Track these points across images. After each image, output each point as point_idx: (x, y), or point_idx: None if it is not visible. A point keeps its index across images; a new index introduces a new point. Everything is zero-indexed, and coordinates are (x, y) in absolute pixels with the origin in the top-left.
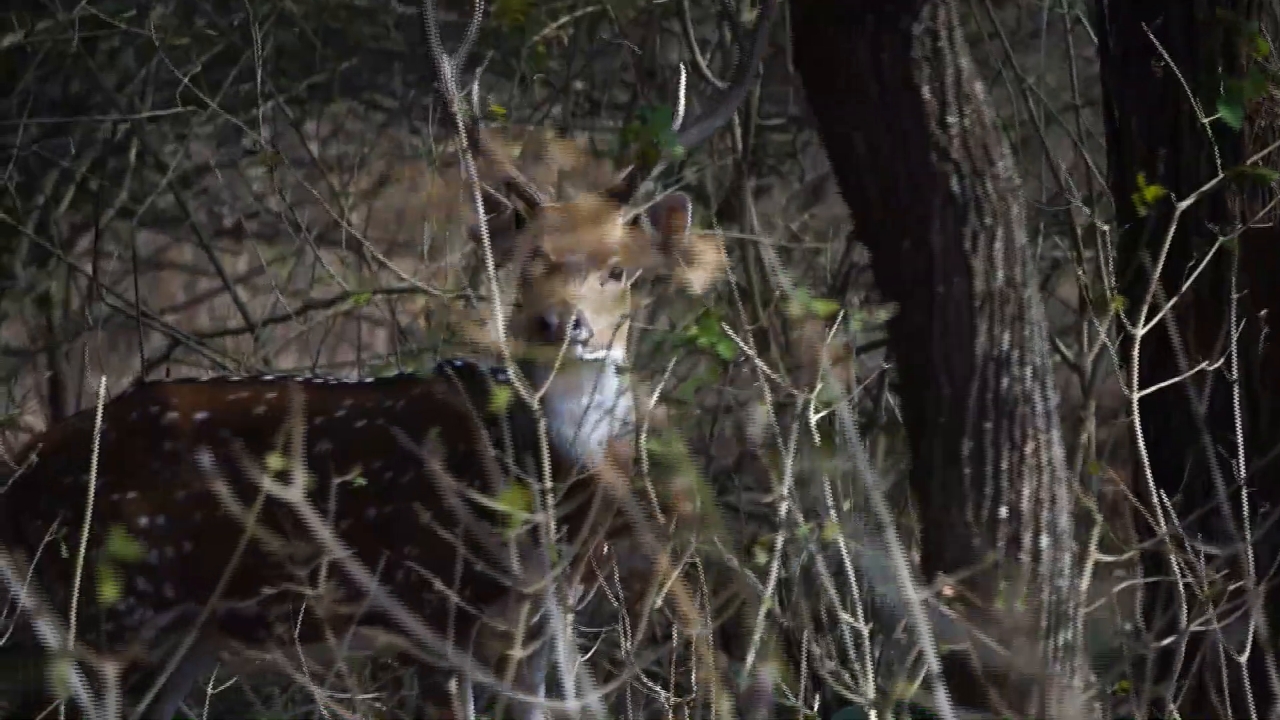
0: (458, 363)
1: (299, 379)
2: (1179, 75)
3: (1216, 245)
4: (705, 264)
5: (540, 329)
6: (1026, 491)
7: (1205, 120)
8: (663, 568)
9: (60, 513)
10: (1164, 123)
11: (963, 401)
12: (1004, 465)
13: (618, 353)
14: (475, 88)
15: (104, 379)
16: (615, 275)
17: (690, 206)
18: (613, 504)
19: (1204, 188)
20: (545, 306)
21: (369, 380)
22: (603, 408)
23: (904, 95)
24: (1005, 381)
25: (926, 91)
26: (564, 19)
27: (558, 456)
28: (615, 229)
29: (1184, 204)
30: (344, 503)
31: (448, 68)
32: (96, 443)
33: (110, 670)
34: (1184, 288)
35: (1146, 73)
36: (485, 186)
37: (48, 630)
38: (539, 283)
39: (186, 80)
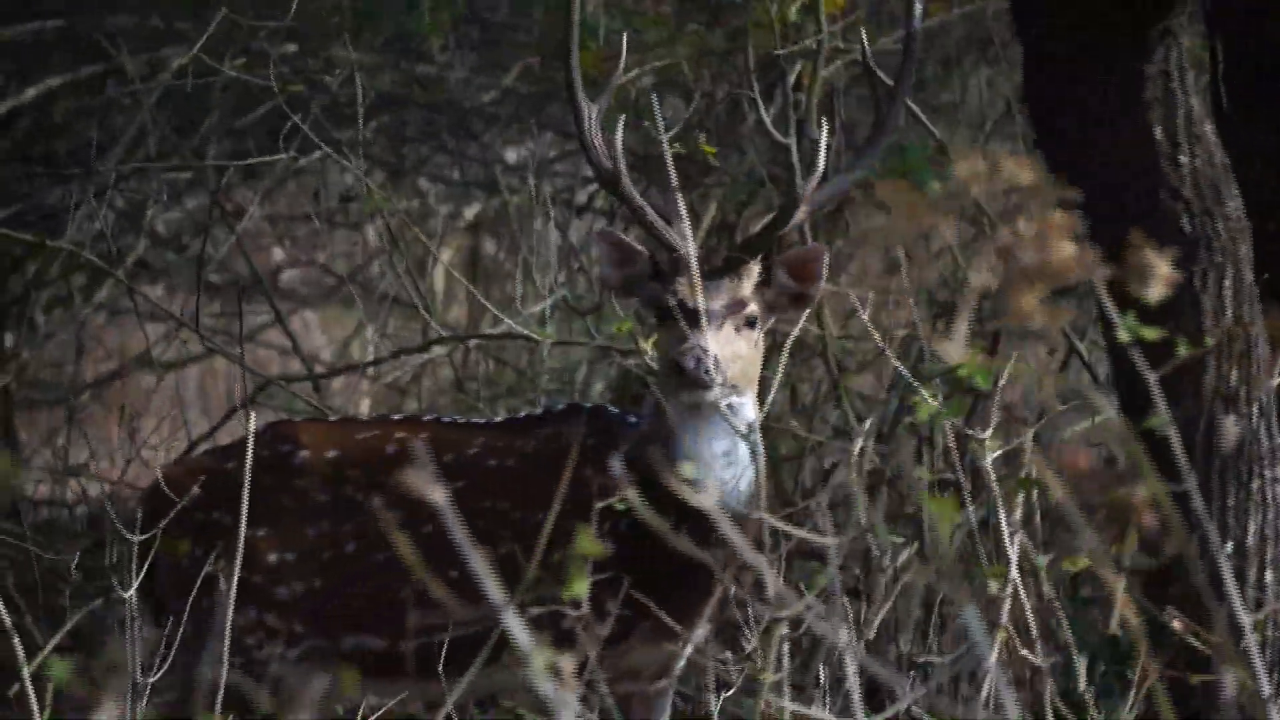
0: (586, 405)
1: (428, 418)
2: None
3: None
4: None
5: (676, 372)
6: (1252, 528)
7: None
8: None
9: (194, 550)
10: None
11: (1191, 437)
12: (1230, 502)
13: (749, 399)
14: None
15: (253, 414)
16: (749, 323)
17: (827, 257)
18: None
19: None
20: (682, 351)
21: (499, 420)
22: (734, 455)
23: (1136, 136)
24: (1232, 418)
25: (1159, 132)
26: (635, 71)
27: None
28: (752, 278)
29: None
30: (476, 541)
31: (589, 115)
32: (247, 481)
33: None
34: None
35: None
36: (620, 235)
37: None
38: (676, 329)
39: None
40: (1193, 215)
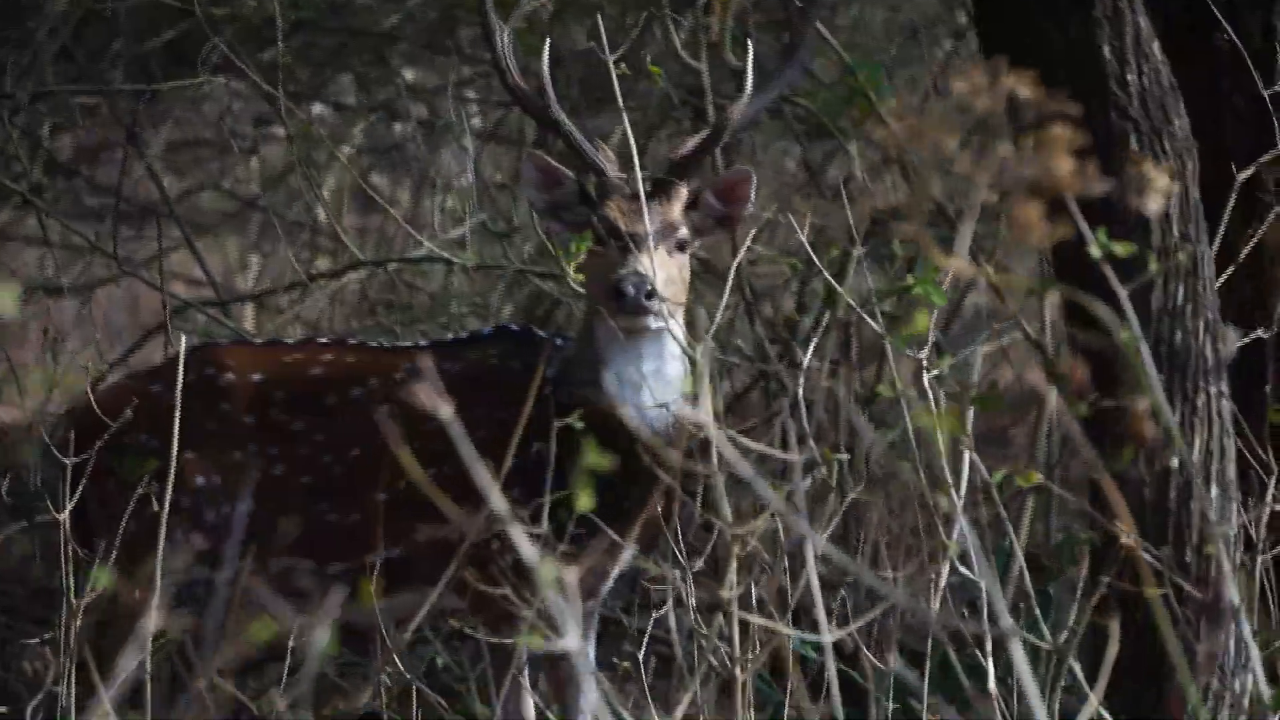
0: (514, 327)
1: (354, 341)
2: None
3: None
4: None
5: (615, 298)
6: (1197, 443)
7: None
8: None
9: (118, 472)
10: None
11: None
12: (1176, 418)
13: (678, 321)
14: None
15: (184, 338)
16: (681, 246)
17: (755, 179)
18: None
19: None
20: (621, 276)
21: (425, 343)
22: (663, 375)
23: (1085, 53)
24: (1179, 334)
25: (1107, 50)
26: None
27: (616, 422)
28: (681, 201)
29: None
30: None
31: (502, 37)
32: (179, 403)
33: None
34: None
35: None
36: (548, 159)
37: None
38: (609, 253)
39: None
40: (1140, 134)
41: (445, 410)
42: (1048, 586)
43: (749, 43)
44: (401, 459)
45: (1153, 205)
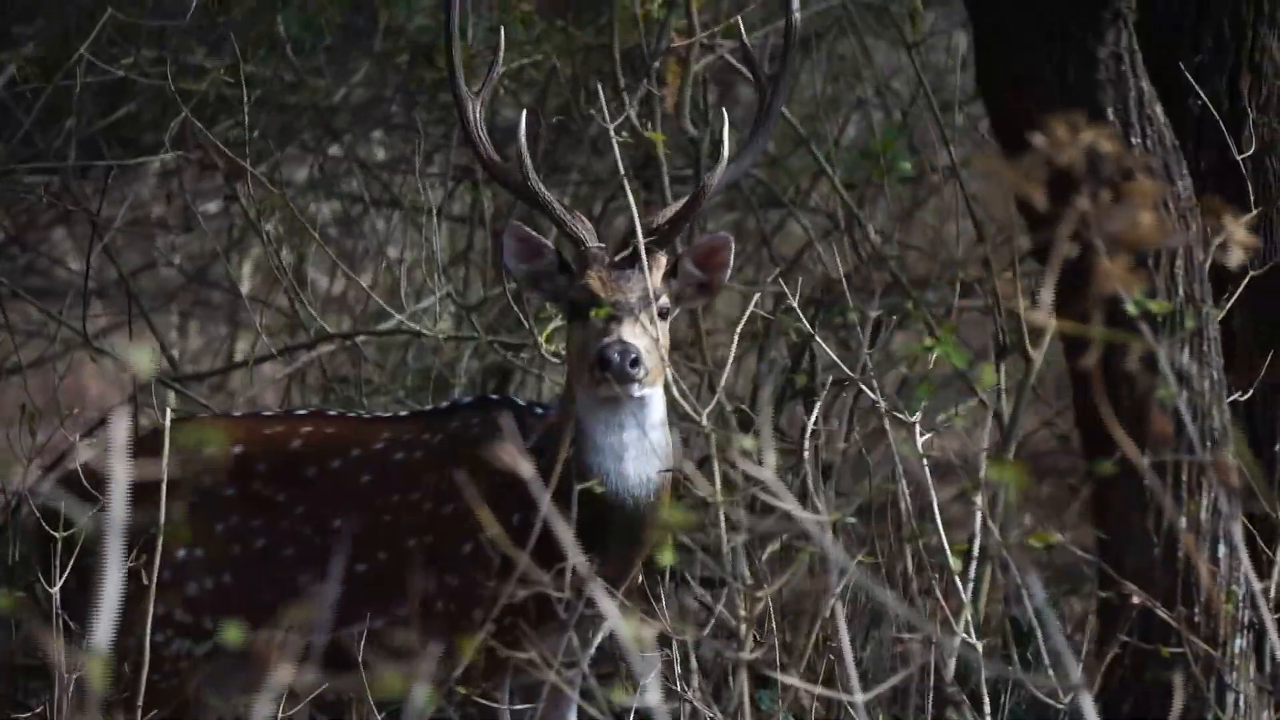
0: (494, 397)
1: (332, 412)
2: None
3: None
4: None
5: (599, 366)
6: (1205, 502)
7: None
8: None
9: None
10: None
11: (1143, 413)
12: (1183, 476)
13: (659, 390)
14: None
15: (169, 414)
16: (662, 315)
17: (732, 245)
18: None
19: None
20: (605, 345)
21: (404, 414)
22: (645, 443)
23: (1089, 117)
24: (1185, 395)
25: (1111, 113)
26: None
27: (603, 491)
28: (661, 269)
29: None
30: (384, 535)
31: (474, 109)
32: (165, 475)
33: None
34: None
35: None
36: (528, 230)
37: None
38: (591, 323)
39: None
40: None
41: (526, 468)
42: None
43: (724, 111)
44: (480, 516)
45: (1234, 259)
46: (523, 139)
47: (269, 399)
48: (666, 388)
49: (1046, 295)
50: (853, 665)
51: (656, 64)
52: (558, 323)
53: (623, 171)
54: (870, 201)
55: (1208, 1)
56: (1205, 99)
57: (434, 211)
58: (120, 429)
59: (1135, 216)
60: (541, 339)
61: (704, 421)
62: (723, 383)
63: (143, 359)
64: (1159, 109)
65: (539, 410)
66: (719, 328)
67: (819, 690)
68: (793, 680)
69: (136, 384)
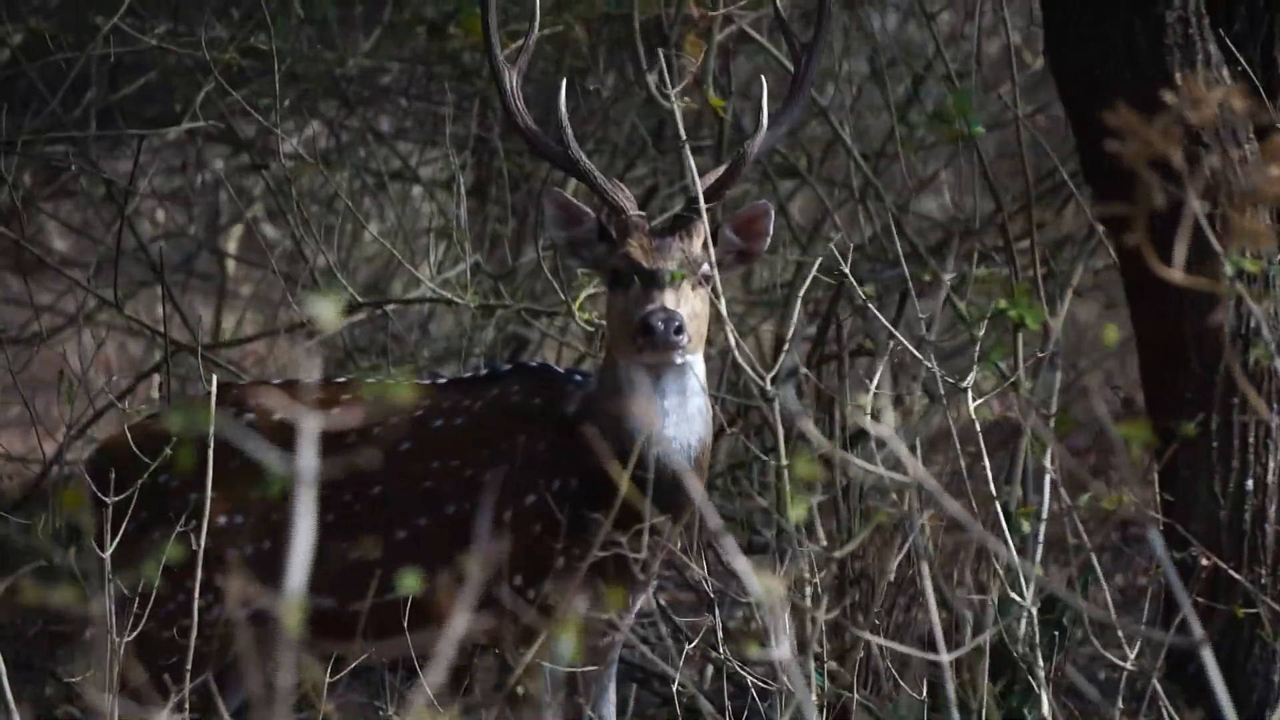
0: (533, 364)
1: (371, 379)
2: None
3: None
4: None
5: (643, 333)
6: (1272, 465)
7: None
8: None
9: (140, 513)
10: None
11: (1210, 376)
12: (1250, 438)
13: (700, 357)
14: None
15: (215, 378)
16: (703, 282)
17: (772, 213)
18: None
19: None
20: (648, 313)
21: (444, 380)
22: (686, 410)
23: (1157, 80)
24: (1252, 357)
25: (1178, 76)
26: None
27: (641, 457)
28: (701, 237)
29: None
30: (424, 500)
31: (512, 81)
32: (211, 445)
33: None
34: None
35: None
36: (568, 197)
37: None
38: (633, 291)
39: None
40: (1212, 156)
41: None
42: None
43: (763, 79)
44: (612, 470)
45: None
46: (563, 108)
47: (291, 372)
48: (719, 356)
49: (1180, 252)
50: (938, 623)
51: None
52: (590, 290)
53: (684, 137)
54: (884, 172)
55: None
56: (1244, 64)
57: (459, 179)
58: (311, 375)
59: (1272, 172)
60: (575, 306)
61: (769, 388)
62: (786, 347)
63: (328, 311)
64: (1226, 72)
65: (578, 377)
66: (735, 296)
67: (899, 648)
68: (875, 639)
69: (168, 351)
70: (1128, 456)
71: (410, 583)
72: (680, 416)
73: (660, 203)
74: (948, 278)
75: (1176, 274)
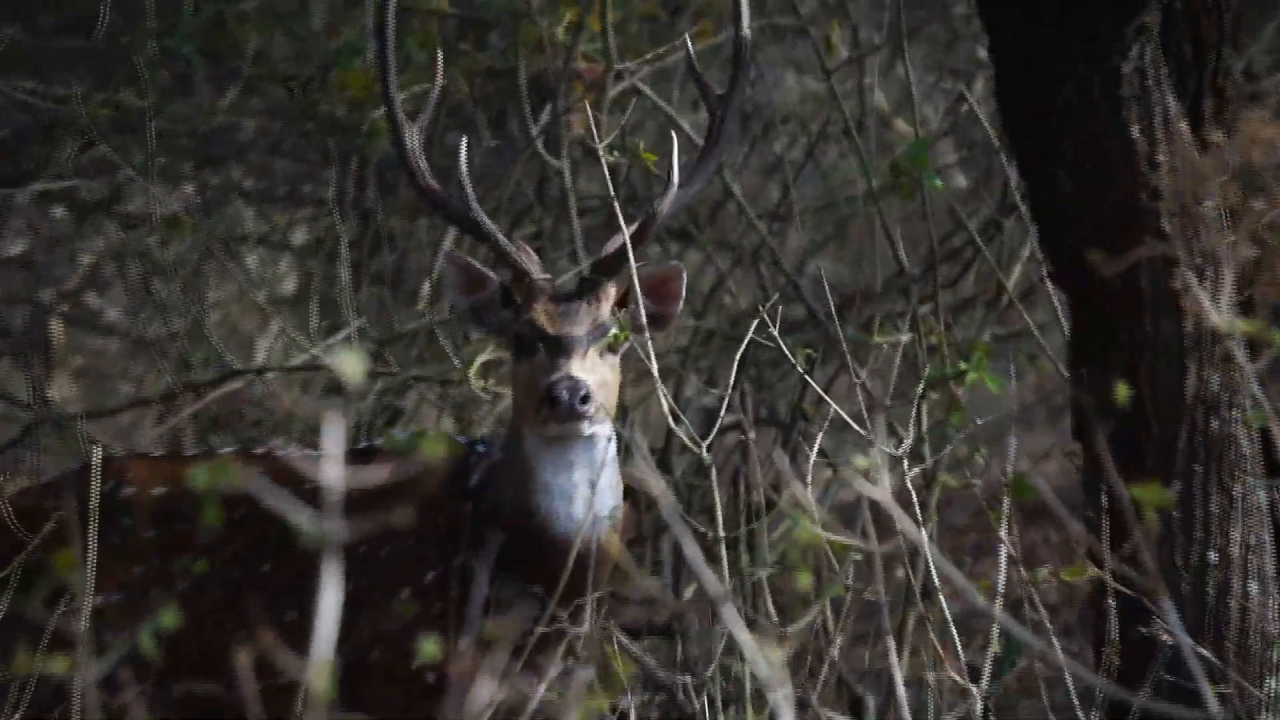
0: (430, 431)
1: (259, 450)
2: None
3: None
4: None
5: (547, 404)
6: (1236, 536)
7: None
8: None
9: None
10: None
11: (1172, 444)
12: (1213, 509)
13: (609, 427)
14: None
15: (98, 449)
16: (611, 348)
17: (685, 276)
18: (604, 579)
19: None
20: (553, 382)
21: (281, 451)
22: (595, 483)
23: (1112, 134)
24: (1215, 424)
25: (1135, 130)
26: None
27: (546, 532)
28: (610, 300)
29: None
30: (315, 581)
31: (412, 136)
32: (94, 522)
33: None
34: None
35: None
36: (469, 260)
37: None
38: (539, 359)
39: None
40: (1171, 215)
41: (659, 485)
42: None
43: (674, 135)
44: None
45: None
46: (463, 166)
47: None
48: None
49: (1225, 296)
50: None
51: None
52: (486, 355)
53: (612, 193)
54: (778, 234)
55: (1170, 25)
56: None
57: (343, 238)
58: (335, 433)
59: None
60: (470, 373)
61: (705, 456)
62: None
63: (352, 366)
64: (1184, 126)
65: (480, 448)
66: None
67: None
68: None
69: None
70: (1139, 522)
71: (430, 650)
72: (588, 490)
73: (549, 267)
74: (903, 338)
75: (1218, 318)
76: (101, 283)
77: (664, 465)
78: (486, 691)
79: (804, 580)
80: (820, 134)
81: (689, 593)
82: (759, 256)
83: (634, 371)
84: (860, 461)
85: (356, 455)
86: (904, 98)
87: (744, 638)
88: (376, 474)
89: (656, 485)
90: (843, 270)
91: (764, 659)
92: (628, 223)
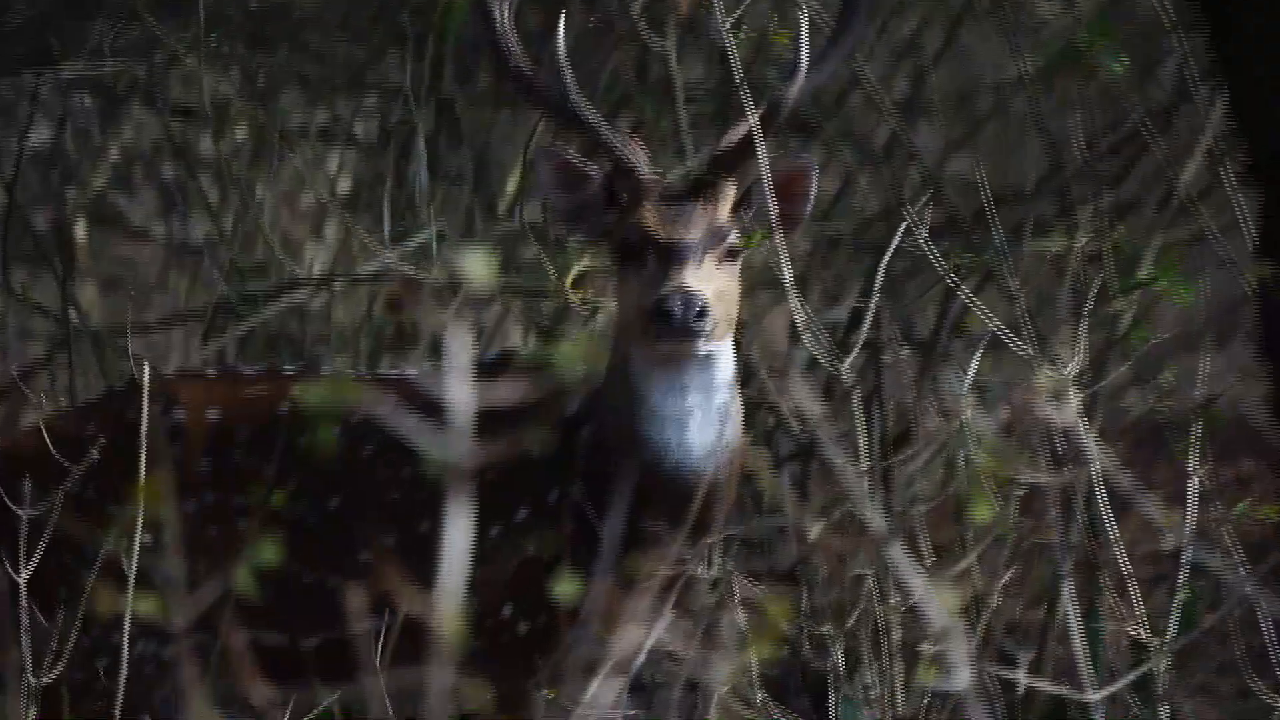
0: (520, 351)
1: (326, 369)
2: None
3: None
4: None
5: (658, 319)
6: None
7: None
8: None
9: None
10: None
11: None
12: None
13: (728, 345)
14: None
15: (146, 364)
16: (731, 255)
17: (815, 172)
18: (721, 517)
19: None
20: (664, 295)
21: (412, 372)
22: (710, 408)
23: None
24: None
25: None
26: None
27: (658, 465)
28: (729, 201)
29: None
30: (392, 516)
31: (501, 10)
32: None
33: None
34: None
35: None
36: (569, 154)
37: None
38: (647, 268)
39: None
40: None
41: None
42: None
43: (801, 12)
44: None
45: None
46: (560, 47)
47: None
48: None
49: None
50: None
51: None
52: (584, 264)
53: (740, 79)
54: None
55: None
56: None
57: (419, 133)
58: (460, 347)
59: None
60: (566, 284)
61: (845, 374)
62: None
63: (481, 267)
64: None
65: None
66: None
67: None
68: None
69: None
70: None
71: (568, 589)
72: (705, 417)
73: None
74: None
75: None
76: (134, 180)
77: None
78: (634, 635)
79: (982, 513)
80: (963, 10)
81: (814, 533)
82: (891, 153)
83: (746, 280)
84: (1045, 379)
85: (486, 369)
86: None
87: (915, 581)
88: (509, 392)
89: (811, 406)
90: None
91: (938, 605)
92: (746, 112)
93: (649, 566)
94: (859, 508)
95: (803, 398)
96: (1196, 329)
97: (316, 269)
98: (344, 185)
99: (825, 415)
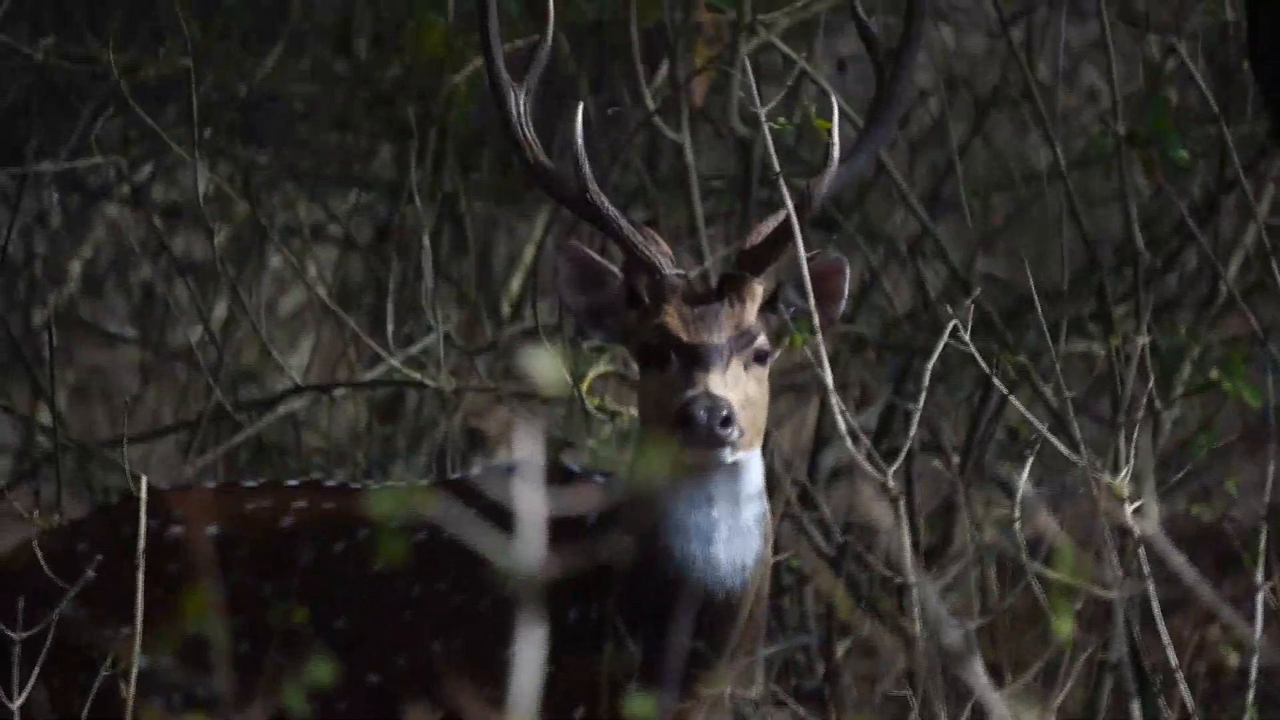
0: (537, 460)
1: (330, 484)
2: None
3: None
4: None
5: (681, 426)
6: None
7: None
8: None
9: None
10: None
11: None
12: None
13: (756, 454)
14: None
15: (144, 478)
16: (759, 358)
17: (848, 269)
18: (748, 637)
19: None
20: (688, 400)
21: (423, 483)
22: (738, 522)
23: None
24: None
25: None
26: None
27: (681, 580)
28: (756, 301)
29: None
30: (402, 637)
31: (518, 103)
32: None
33: None
34: None
35: None
36: (589, 252)
37: None
38: (670, 372)
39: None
40: None
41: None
42: None
43: (834, 98)
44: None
45: None
46: (579, 140)
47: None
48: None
49: None
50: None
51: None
52: (601, 367)
53: (778, 168)
54: (941, 219)
55: None
56: None
57: (425, 234)
58: (531, 452)
59: None
60: (583, 390)
61: (889, 480)
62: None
63: (551, 370)
64: None
65: (598, 478)
66: None
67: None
68: None
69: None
70: None
71: (644, 707)
72: (731, 529)
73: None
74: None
75: None
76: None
77: (805, 500)
78: None
79: (1064, 629)
80: (991, 99)
81: (841, 651)
82: (918, 249)
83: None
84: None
85: (450, 487)
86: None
87: (994, 699)
88: (584, 500)
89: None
90: (1017, 266)
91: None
92: (770, 208)
93: (700, 686)
94: (932, 623)
95: (874, 509)
96: (1251, 435)
97: (301, 375)
98: (335, 282)
99: (900, 531)
